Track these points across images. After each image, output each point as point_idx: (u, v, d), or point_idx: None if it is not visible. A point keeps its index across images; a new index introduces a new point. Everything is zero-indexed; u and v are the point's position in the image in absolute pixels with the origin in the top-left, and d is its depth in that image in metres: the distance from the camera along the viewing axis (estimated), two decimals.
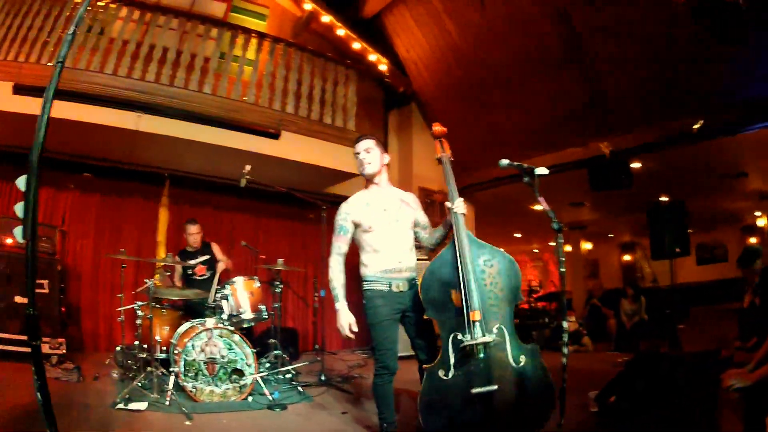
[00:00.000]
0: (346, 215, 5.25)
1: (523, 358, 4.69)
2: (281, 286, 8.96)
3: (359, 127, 11.42)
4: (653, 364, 6.58)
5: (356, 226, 5.23)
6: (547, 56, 10.49)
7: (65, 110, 8.40)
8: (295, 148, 10.37)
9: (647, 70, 9.41)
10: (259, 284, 8.25)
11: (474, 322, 4.56)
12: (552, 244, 21.63)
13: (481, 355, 4.60)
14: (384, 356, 5.07)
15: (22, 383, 5.99)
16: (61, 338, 8.18)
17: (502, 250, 4.93)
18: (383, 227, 5.20)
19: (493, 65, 11.47)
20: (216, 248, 9.56)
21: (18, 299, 7.78)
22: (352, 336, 4.97)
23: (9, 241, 8.20)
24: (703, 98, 8.98)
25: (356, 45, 12.72)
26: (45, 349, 7.60)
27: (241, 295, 7.95)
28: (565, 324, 5.00)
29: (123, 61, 9.37)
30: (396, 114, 13.91)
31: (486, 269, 4.79)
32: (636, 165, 11.17)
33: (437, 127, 5.68)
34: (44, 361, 5.77)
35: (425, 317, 4.89)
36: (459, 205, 4.99)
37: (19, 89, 8.48)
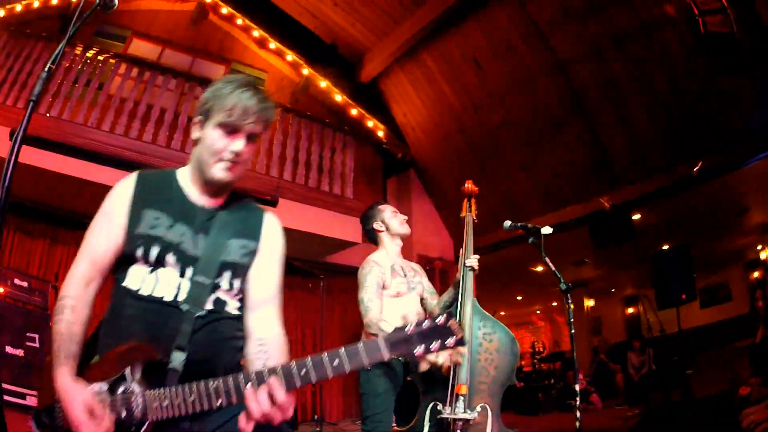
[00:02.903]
0: (381, 274, 5.04)
1: None
2: None
3: (358, 195, 11.25)
4: (667, 414, 6.40)
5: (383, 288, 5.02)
6: (546, 115, 10.35)
7: (62, 164, 8.36)
8: (293, 215, 10.01)
9: (645, 120, 9.27)
10: None
11: (458, 395, 4.26)
12: (554, 304, 21.21)
13: None
14: (380, 428, 4.74)
15: None
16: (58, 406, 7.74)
17: (504, 326, 4.62)
18: (405, 293, 5.10)
19: (491, 128, 11.33)
20: None
21: (9, 349, 7.48)
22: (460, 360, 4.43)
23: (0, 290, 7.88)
24: (703, 140, 8.83)
25: (354, 111, 12.53)
26: (33, 402, 6.95)
27: None
28: (577, 387, 4.88)
29: (120, 118, 9.33)
30: (395, 181, 13.67)
31: (484, 343, 4.52)
32: (636, 216, 10.80)
33: (468, 185, 5.62)
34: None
35: (408, 378, 4.82)
36: (473, 261, 4.85)
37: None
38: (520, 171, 11.22)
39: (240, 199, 2.82)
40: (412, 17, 11.30)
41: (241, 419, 2.09)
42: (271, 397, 2.04)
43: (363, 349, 2.06)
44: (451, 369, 4.32)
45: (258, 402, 2.05)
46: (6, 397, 7.06)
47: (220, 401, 2.15)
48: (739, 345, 11.00)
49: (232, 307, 2.62)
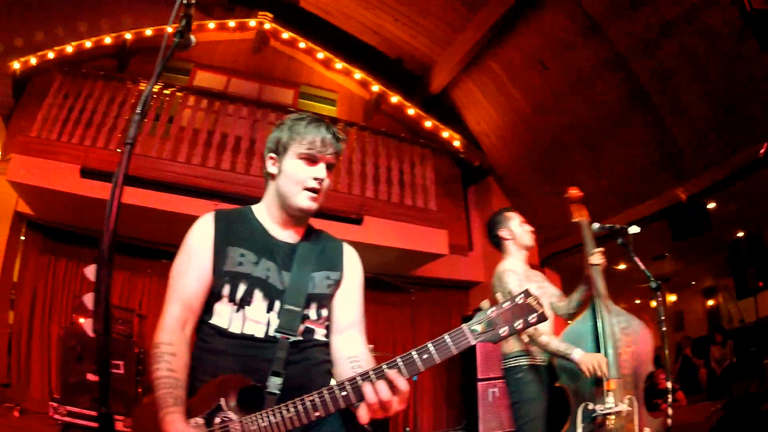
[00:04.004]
0: (519, 282, 4.87)
1: (647, 431, 4.35)
2: None
3: (440, 206, 11.03)
4: (746, 406, 6.12)
5: None
6: (611, 111, 10.02)
7: (138, 197, 8.37)
8: (378, 232, 9.87)
9: (705, 107, 8.88)
10: None
11: (608, 391, 4.30)
12: (637, 302, 20.67)
13: (612, 427, 4.28)
14: None
15: None
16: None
17: (635, 317, 4.72)
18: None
19: (561, 126, 11.03)
20: None
21: (90, 377, 7.66)
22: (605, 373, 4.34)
23: (82, 320, 8.08)
24: (764, 120, 8.37)
25: (428, 123, 12.40)
26: (119, 426, 7.38)
27: None
28: (669, 384, 4.82)
29: (196, 149, 9.38)
30: (474, 190, 13.40)
31: (623, 337, 4.58)
32: (712, 205, 10.31)
33: (573, 191, 5.43)
34: None
35: (557, 384, 4.72)
36: (598, 258, 4.81)
37: (87, 173, 8.56)
38: (592, 170, 10.89)
39: (317, 233, 2.92)
40: (470, 24, 11.11)
41: (361, 411, 2.17)
42: (393, 388, 2.13)
43: (449, 340, 2.15)
44: (597, 370, 4.25)
45: (378, 393, 2.12)
46: (84, 422, 7.39)
47: (317, 414, 2.19)
48: None
49: (320, 334, 2.68)
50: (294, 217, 2.74)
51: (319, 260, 2.74)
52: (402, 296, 10.57)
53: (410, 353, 2.14)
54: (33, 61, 10.44)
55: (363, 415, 2.16)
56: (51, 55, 10.58)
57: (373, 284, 9.99)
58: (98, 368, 2.14)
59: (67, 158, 8.69)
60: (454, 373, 11.19)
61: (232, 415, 2.23)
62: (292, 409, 2.20)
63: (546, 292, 5.19)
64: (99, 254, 2.11)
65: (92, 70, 10.13)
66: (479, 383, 9.49)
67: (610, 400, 4.25)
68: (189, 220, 8.34)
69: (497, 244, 5.46)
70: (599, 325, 4.49)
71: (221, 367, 2.42)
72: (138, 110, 2.31)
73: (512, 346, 4.86)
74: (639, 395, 4.42)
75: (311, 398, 2.19)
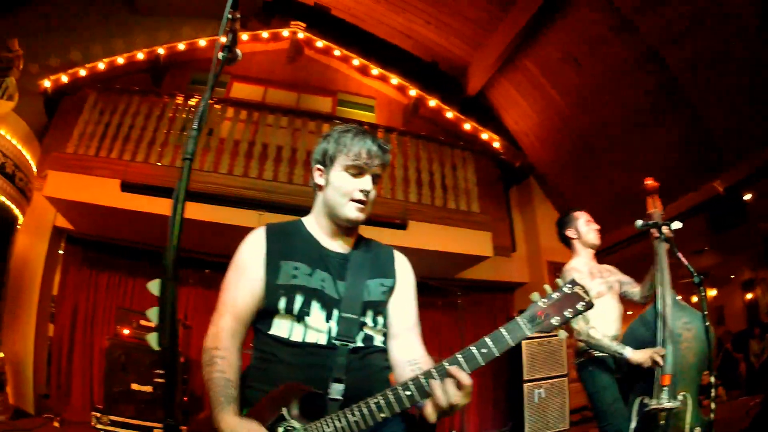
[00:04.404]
0: (582, 279, 4.74)
1: (698, 430, 4.26)
2: None
3: (483, 208, 10.93)
4: None
5: None
6: (647, 104, 9.88)
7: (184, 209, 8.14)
8: (423, 236, 9.80)
9: (737, 96, 8.72)
10: None
11: (663, 386, 4.25)
12: (678, 297, 20.43)
13: (662, 422, 4.24)
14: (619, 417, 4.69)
15: None
16: (183, 426, 7.90)
17: (698, 312, 4.52)
18: (604, 293, 5.13)
19: (598, 123, 10.92)
20: None
21: (134, 386, 7.93)
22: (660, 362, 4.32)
23: (126, 331, 8.31)
24: None
25: (467, 125, 12.34)
26: None
27: None
28: (712, 379, 4.61)
29: (237, 160, 9.42)
30: (516, 190, 13.31)
31: (683, 332, 4.49)
32: (748, 196, 10.11)
33: (649, 182, 5.31)
34: None
35: (616, 376, 4.83)
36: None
37: (127, 186, 8.67)
38: (631, 166, 10.73)
39: (367, 242, 2.98)
40: (502, 24, 11.08)
41: (428, 410, 2.21)
42: (458, 384, 2.15)
43: (505, 332, 2.22)
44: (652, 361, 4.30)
45: (446, 391, 2.15)
46: (127, 431, 7.61)
47: (383, 415, 2.23)
48: None
49: (378, 341, 2.71)
50: (342, 227, 2.81)
51: (372, 268, 2.79)
52: (447, 299, 10.60)
53: (469, 348, 2.21)
54: (64, 78, 10.52)
55: (430, 413, 2.21)
56: (83, 72, 10.67)
57: (419, 288, 9.99)
58: (165, 381, 2.18)
59: (107, 173, 8.79)
60: (500, 374, 11.06)
61: (295, 424, 2.27)
62: (357, 413, 2.24)
63: (618, 282, 5.27)
64: (164, 270, 2.12)
65: (126, 85, 10.23)
66: (525, 384, 9.45)
67: (664, 395, 4.22)
68: (232, 231, 8.37)
69: (566, 244, 5.57)
70: (659, 318, 4.49)
71: (282, 376, 2.44)
72: (195, 125, 2.35)
73: (580, 342, 4.93)
74: (693, 392, 4.38)
75: (375, 400, 2.24)
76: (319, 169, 2.85)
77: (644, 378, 4.41)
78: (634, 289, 5.24)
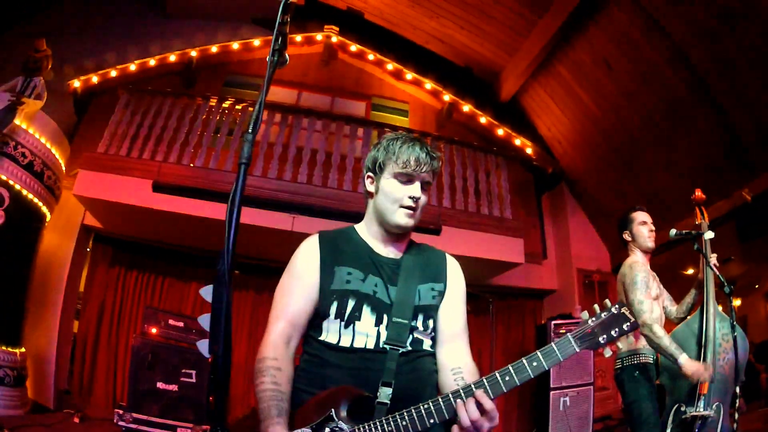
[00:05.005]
0: (647, 274, 5.07)
1: None
2: None
3: (515, 215, 10.86)
4: None
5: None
6: (678, 108, 9.74)
7: (215, 211, 8.56)
8: (456, 242, 9.64)
9: None
10: None
11: (701, 395, 4.35)
12: (720, 308, 20.26)
13: (696, 430, 4.32)
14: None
15: None
16: (206, 426, 8.11)
17: (737, 324, 4.66)
18: (660, 297, 5.13)
19: (630, 127, 10.79)
20: None
21: (161, 385, 7.96)
22: (708, 378, 4.39)
23: (154, 330, 8.30)
24: None
25: (500, 131, 12.26)
26: None
27: None
28: (737, 389, 4.62)
29: (271, 163, 9.43)
30: (548, 196, 13.22)
31: (723, 343, 4.61)
32: None
33: (698, 193, 5.51)
34: None
35: (657, 382, 4.85)
36: (709, 234, 4.99)
37: (159, 187, 8.70)
38: (663, 171, 10.66)
39: (418, 246, 3.00)
40: (535, 29, 11.08)
41: (455, 430, 2.24)
42: (480, 407, 2.19)
43: (556, 348, 2.27)
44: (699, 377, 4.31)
45: (468, 412, 2.19)
46: (150, 429, 7.60)
47: (432, 420, 2.25)
48: None
49: (427, 345, 2.70)
50: (393, 233, 2.82)
51: (424, 273, 2.79)
52: (479, 305, 10.52)
53: (521, 361, 2.28)
54: (95, 79, 10.62)
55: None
56: (113, 73, 10.77)
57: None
58: (214, 391, 2.10)
59: (139, 173, 8.87)
60: (527, 382, 10.81)
61: (343, 425, 2.29)
62: (406, 418, 2.27)
63: (663, 294, 5.23)
64: (218, 276, 2.11)
65: (157, 87, 10.30)
66: (552, 392, 9.36)
67: (701, 403, 4.31)
68: (265, 233, 8.33)
69: (624, 244, 5.53)
70: (704, 329, 4.55)
71: (332, 380, 2.48)
72: (250, 130, 2.28)
73: (623, 346, 5.00)
74: (726, 402, 4.47)
75: (426, 405, 2.27)
76: (369, 177, 2.88)
77: (683, 386, 4.47)
78: (672, 307, 5.29)
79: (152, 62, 11.07)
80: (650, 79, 9.81)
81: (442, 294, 2.79)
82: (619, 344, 5.00)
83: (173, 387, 7.97)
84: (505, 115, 12.57)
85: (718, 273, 4.74)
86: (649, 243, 5.25)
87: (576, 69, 11.01)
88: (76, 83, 10.39)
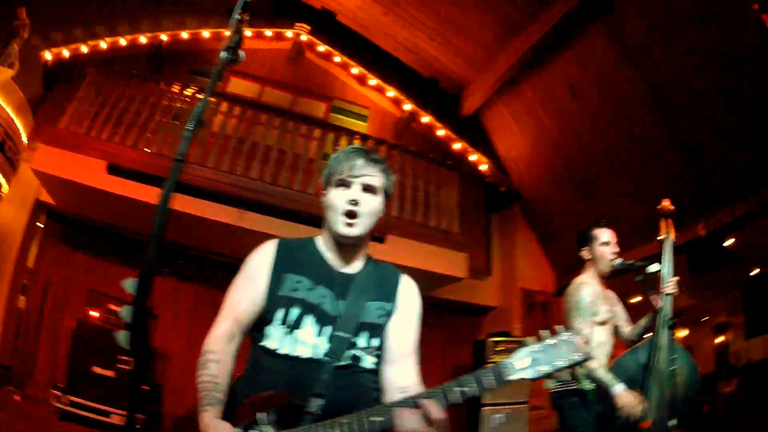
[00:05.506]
0: (593, 298, 4.91)
1: None
2: None
3: (463, 230, 11.03)
4: None
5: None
6: (644, 141, 9.98)
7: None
8: (400, 251, 9.73)
9: (738, 141, 8.80)
10: None
11: (642, 430, 4.23)
12: (674, 338, 20.54)
13: None
14: None
15: None
16: (141, 415, 8.10)
17: (689, 354, 4.72)
18: (608, 322, 4.99)
19: (591, 156, 10.98)
20: None
21: (97, 369, 8.01)
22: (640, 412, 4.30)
23: (95, 314, 8.42)
24: None
25: (457, 145, 12.39)
26: (116, 420, 7.82)
27: None
28: (674, 421, 4.46)
29: (224, 156, 9.46)
30: (498, 215, 13.35)
31: (674, 373, 4.44)
32: (731, 241, 10.22)
33: (665, 203, 5.48)
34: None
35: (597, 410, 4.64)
36: (673, 286, 4.74)
37: (114, 170, 8.71)
38: (622, 201, 10.76)
39: (377, 264, 2.95)
40: (508, 48, 11.14)
41: None
42: (427, 417, 2.11)
43: (493, 371, 2.17)
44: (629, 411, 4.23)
45: (408, 420, 2.14)
46: (89, 414, 7.70)
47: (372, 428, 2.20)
48: None
49: (367, 362, 2.69)
50: (344, 245, 2.81)
51: (375, 291, 2.79)
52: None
53: (452, 384, 2.16)
54: (66, 53, 10.52)
55: None
56: (84, 49, 10.67)
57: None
58: (130, 385, 2.37)
59: (96, 153, 8.83)
60: None
61: (267, 429, 2.29)
62: (329, 430, 2.24)
63: (616, 315, 5.12)
64: (141, 271, 2.23)
65: (126, 68, 10.26)
66: (483, 408, 9.48)
67: None
68: (211, 225, 8.46)
69: (580, 262, 5.36)
70: (652, 359, 4.48)
71: (267, 385, 2.49)
72: (190, 126, 2.35)
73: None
74: None
75: (348, 421, 2.22)
76: (322, 192, 2.90)
77: (620, 420, 4.35)
78: (626, 329, 5.14)
79: (123, 42, 11.01)
80: (617, 112, 9.99)
81: (389, 314, 2.79)
82: None
83: (111, 373, 7.95)
84: (465, 130, 12.69)
85: (659, 305, 4.68)
86: (607, 268, 5.10)
87: (542, 92, 11.15)
88: (48, 55, 10.31)
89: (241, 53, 2.55)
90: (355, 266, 2.85)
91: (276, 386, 2.47)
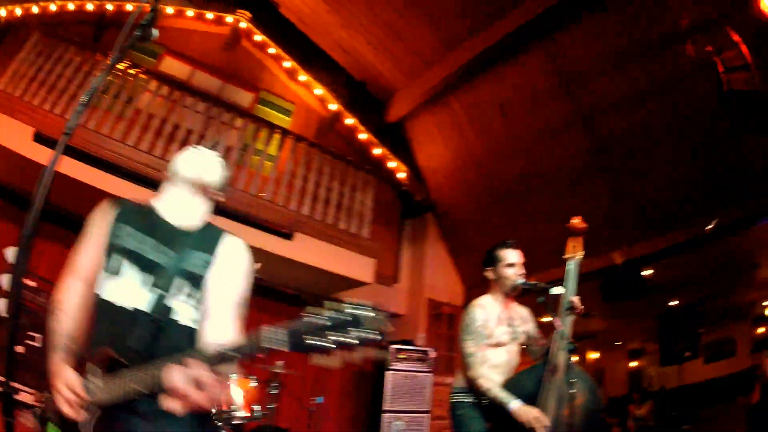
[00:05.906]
0: (485, 321, 4.85)
1: None
2: (278, 387, 8.33)
3: (373, 235, 11.18)
4: None
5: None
6: (569, 166, 10.28)
7: (81, 172, 8.44)
8: (307, 250, 9.94)
9: (665, 176, 9.24)
10: (255, 383, 7.82)
11: None
12: (573, 360, 20.97)
13: None
14: None
15: None
16: (48, 393, 7.96)
17: (588, 377, 4.59)
18: (506, 343, 4.90)
19: (514, 175, 11.26)
20: None
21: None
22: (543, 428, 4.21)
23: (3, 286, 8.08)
24: (721, 196, 8.77)
25: (377, 150, 12.55)
26: (28, 399, 6.88)
27: (234, 392, 7.41)
28: None
29: (146, 135, 9.34)
30: (411, 224, 13.52)
31: (570, 395, 4.30)
32: (649, 272, 10.63)
33: (576, 221, 5.33)
34: (28, 410, 6.21)
35: (488, 425, 4.61)
36: (570, 306, 4.59)
37: (40, 138, 8.46)
38: (540, 222, 10.98)
39: (211, 225, 3.02)
40: (443, 61, 11.31)
41: (164, 398, 2.12)
42: (195, 378, 2.02)
43: (266, 332, 1.93)
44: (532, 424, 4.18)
45: (175, 377, 2.06)
46: None
47: (138, 389, 2.23)
48: (740, 402, 10.85)
49: (185, 316, 2.71)
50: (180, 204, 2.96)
51: (198, 243, 2.83)
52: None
53: (227, 347, 2.03)
54: (18, 12, 10.24)
55: (164, 401, 2.11)
56: (35, 9, 10.40)
57: (291, 300, 10.17)
58: (6, 354, 2.46)
59: (25, 118, 8.65)
60: (361, 402, 11.29)
61: (97, 381, 2.40)
62: (117, 381, 2.31)
63: (525, 334, 5.06)
64: (21, 239, 2.34)
65: (69, 34, 10.11)
66: (384, 414, 9.59)
67: None
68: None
69: (485, 279, 5.25)
70: (547, 377, 4.42)
71: (97, 336, 2.64)
72: (84, 99, 2.48)
73: (459, 381, 4.87)
74: None
75: (136, 373, 2.24)
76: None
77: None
78: (535, 348, 5.06)
79: (71, 6, 10.75)
80: (545, 134, 10.28)
81: (208, 264, 2.78)
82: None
83: (19, 348, 7.70)
84: (388, 136, 12.83)
85: (559, 329, 4.52)
86: (511, 291, 5.01)
87: (471, 107, 11.38)
88: (2, 12, 10.02)
89: (154, 31, 2.66)
90: (190, 225, 2.90)
91: (101, 337, 2.59)
